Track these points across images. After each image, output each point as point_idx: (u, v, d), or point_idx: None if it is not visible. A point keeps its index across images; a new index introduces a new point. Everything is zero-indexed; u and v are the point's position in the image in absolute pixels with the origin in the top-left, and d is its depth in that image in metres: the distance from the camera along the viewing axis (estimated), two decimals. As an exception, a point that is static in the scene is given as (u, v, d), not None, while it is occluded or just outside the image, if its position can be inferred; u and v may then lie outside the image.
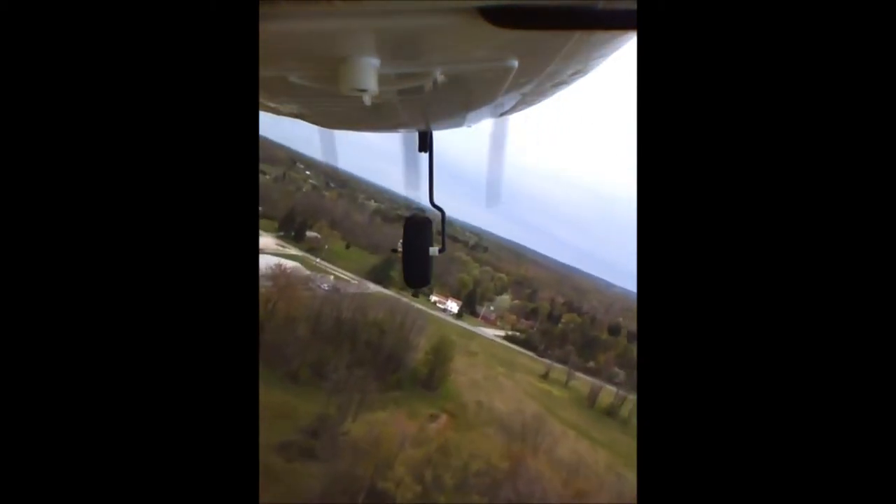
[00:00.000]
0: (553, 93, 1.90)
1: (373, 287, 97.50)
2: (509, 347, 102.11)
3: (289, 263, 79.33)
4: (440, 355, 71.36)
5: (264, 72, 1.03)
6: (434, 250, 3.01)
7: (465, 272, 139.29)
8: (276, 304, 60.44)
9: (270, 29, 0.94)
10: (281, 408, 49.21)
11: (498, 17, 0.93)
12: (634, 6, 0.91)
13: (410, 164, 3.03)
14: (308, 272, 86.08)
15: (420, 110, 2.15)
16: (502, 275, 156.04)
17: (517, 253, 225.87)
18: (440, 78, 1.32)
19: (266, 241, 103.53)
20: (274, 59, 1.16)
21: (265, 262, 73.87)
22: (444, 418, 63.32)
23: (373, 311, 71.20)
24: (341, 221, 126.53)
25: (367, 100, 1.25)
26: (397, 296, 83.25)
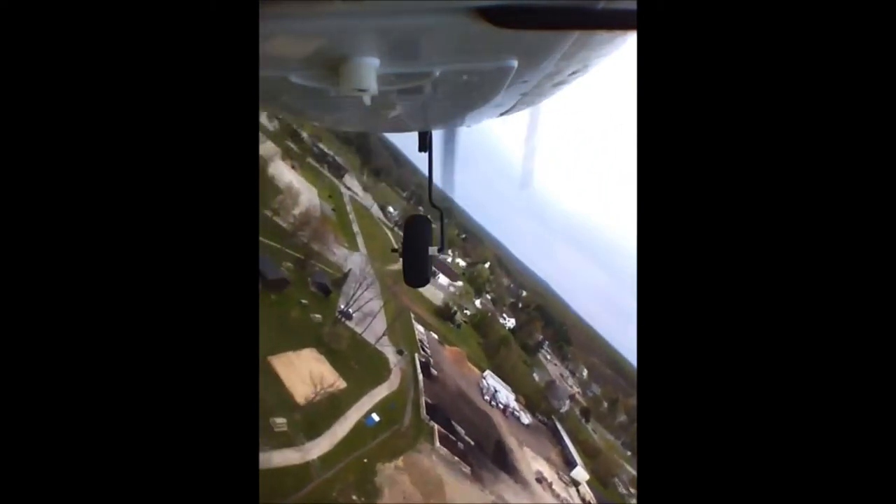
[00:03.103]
0: (553, 92, 1.88)
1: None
2: None
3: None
4: None
5: (264, 72, 1.05)
6: (434, 249, 3.06)
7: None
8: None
9: (270, 29, 0.95)
10: None
11: (498, 17, 0.93)
12: (634, 6, 0.92)
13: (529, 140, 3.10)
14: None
15: (420, 110, 2.18)
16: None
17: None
18: (440, 78, 1.33)
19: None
20: (274, 59, 1.17)
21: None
22: None
23: None
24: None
25: (367, 100, 1.28)
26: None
